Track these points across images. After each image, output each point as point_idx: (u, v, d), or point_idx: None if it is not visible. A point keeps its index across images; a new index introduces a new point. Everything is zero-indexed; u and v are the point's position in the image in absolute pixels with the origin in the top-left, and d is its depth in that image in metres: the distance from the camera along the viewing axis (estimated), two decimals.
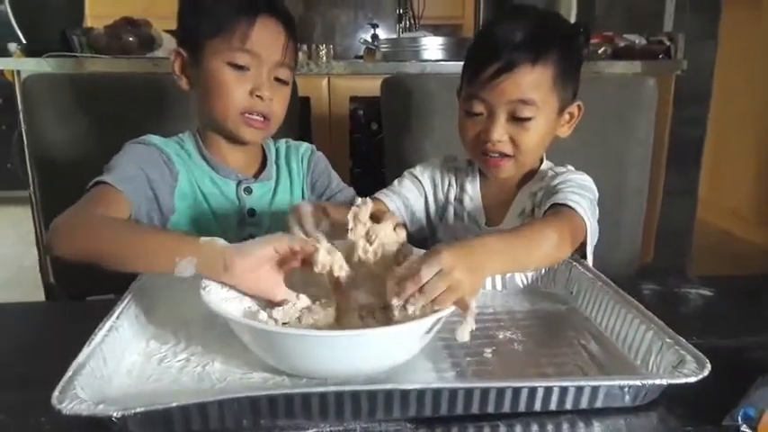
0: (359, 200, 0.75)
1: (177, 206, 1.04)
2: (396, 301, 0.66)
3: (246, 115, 1.01)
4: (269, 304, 0.75)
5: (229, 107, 1.00)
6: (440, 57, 2.14)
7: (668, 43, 2.34)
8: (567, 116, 1.04)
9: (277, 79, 1.03)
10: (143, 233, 0.83)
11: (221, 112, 1.01)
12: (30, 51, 1.94)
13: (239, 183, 1.08)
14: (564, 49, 0.97)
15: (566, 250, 0.84)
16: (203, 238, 0.74)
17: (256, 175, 1.11)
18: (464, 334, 0.65)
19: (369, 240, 0.75)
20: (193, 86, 1.05)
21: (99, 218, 0.86)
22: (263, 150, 1.15)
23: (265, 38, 0.99)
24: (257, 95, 1.00)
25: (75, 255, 0.80)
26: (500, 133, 0.97)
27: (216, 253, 0.72)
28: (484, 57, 0.96)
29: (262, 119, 1.02)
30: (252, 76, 1.00)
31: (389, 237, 0.75)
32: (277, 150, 1.16)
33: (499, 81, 0.95)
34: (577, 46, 1.02)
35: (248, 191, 1.09)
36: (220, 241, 0.74)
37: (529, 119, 0.96)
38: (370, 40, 2.47)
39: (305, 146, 1.19)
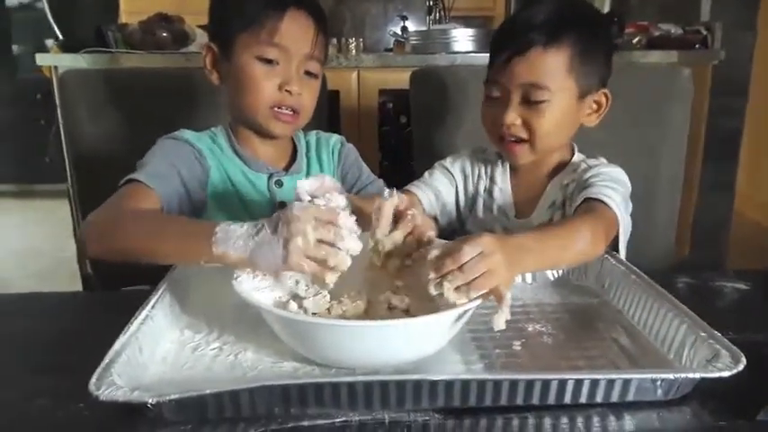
0: (386, 191, 0.75)
1: (209, 200, 1.05)
2: (433, 275, 0.65)
3: (276, 109, 1.02)
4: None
5: (259, 101, 1.01)
6: (470, 48, 2.12)
7: (705, 33, 2.28)
8: (593, 105, 1.03)
9: (307, 73, 1.03)
10: (168, 227, 0.83)
11: (251, 106, 1.02)
12: (66, 47, 1.99)
13: (270, 176, 1.09)
14: (583, 34, 0.97)
15: (600, 248, 0.84)
16: (219, 226, 0.72)
17: (287, 168, 1.12)
18: (500, 322, 0.65)
19: (377, 250, 0.75)
20: (224, 81, 1.06)
21: (128, 215, 0.87)
22: (294, 143, 1.15)
23: (294, 31, 1.00)
24: (286, 90, 1.01)
25: (109, 254, 0.83)
26: (512, 117, 0.98)
27: None
28: (500, 41, 0.99)
29: (291, 113, 1.03)
30: (281, 70, 1.01)
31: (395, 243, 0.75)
32: (307, 143, 1.17)
33: (512, 64, 0.96)
34: (605, 33, 1.02)
35: (279, 184, 1.10)
36: (233, 226, 0.72)
37: (541, 102, 0.96)
38: (399, 32, 2.47)
39: (335, 138, 1.20)
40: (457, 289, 0.64)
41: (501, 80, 0.99)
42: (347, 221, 0.69)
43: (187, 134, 1.07)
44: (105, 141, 1.37)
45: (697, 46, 2.25)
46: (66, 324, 0.82)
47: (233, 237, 0.70)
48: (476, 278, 0.64)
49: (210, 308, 0.79)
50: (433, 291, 0.65)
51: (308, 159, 1.15)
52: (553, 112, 0.97)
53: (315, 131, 1.20)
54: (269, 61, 1.00)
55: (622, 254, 0.93)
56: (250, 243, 0.69)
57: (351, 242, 0.68)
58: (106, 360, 0.59)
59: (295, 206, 0.69)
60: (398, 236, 0.74)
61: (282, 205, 1.09)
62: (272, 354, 0.68)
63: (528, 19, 0.97)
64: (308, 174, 1.14)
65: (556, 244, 0.78)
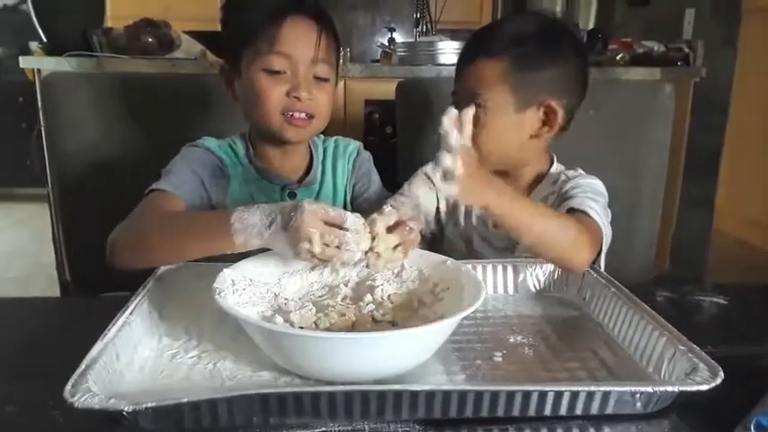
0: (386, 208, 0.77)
1: (230, 208, 1.05)
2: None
3: (288, 115, 1.01)
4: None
5: (270, 109, 1.00)
6: (456, 61, 2.13)
7: (687, 50, 2.32)
8: (541, 117, 1.03)
9: (316, 78, 1.01)
10: (187, 229, 0.87)
11: (263, 116, 1.01)
12: (50, 50, 1.97)
13: (284, 187, 1.10)
14: (524, 47, 1.00)
15: (583, 256, 0.83)
16: (234, 215, 0.77)
17: (302, 179, 1.12)
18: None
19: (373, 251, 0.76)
20: (238, 97, 1.06)
21: (152, 225, 0.90)
22: (311, 153, 1.15)
23: (295, 38, 0.98)
24: (294, 96, 0.99)
25: (138, 264, 0.85)
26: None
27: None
28: (461, 53, 1.08)
29: (305, 117, 1.01)
30: (288, 78, 1.00)
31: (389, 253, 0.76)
32: (325, 150, 1.17)
33: (462, 73, 1.05)
34: (554, 47, 1.03)
35: (292, 195, 1.10)
36: (247, 213, 0.77)
37: (479, 106, 0.99)
38: (386, 43, 2.47)
39: (353, 145, 1.20)
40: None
41: (457, 89, 1.07)
42: (354, 223, 0.74)
43: (209, 142, 1.09)
44: (87, 146, 1.35)
45: (679, 63, 2.28)
46: (42, 330, 0.81)
47: (248, 226, 0.76)
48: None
49: (190, 315, 0.78)
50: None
51: (324, 168, 1.15)
52: (489, 122, 1.01)
53: (335, 137, 1.20)
54: (275, 72, 0.99)
55: (602, 263, 0.93)
56: (265, 234, 0.75)
57: (359, 243, 0.74)
58: (82, 366, 0.58)
59: (306, 208, 0.72)
60: (392, 240, 0.76)
61: (292, 196, 1.10)
62: (252, 362, 0.68)
63: (481, 33, 1.07)
64: (321, 184, 1.14)
65: (534, 210, 0.82)
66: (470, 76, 1.03)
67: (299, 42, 0.99)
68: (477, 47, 1.04)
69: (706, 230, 2.53)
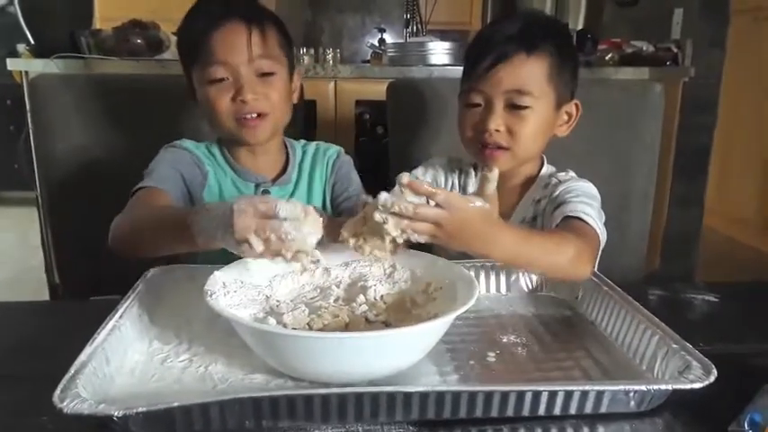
0: (363, 196, 0.74)
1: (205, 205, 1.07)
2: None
3: (240, 118, 1.03)
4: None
5: (222, 117, 1.03)
6: (446, 61, 2.14)
7: (675, 50, 2.33)
8: (565, 116, 1.04)
9: (262, 74, 1.03)
10: (162, 225, 0.86)
11: (218, 124, 1.05)
12: (38, 52, 1.95)
13: (257, 185, 1.11)
14: (558, 44, 1.00)
15: (584, 269, 0.82)
16: (190, 216, 0.74)
17: (277, 178, 1.13)
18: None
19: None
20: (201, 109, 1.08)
21: (139, 219, 0.92)
22: (288, 153, 1.16)
23: (226, 43, 1.01)
24: (240, 100, 1.01)
25: (134, 254, 0.87)
26: (497, 123, 0.98)
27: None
28: (480, 50, 1.00)
29: (256, 117, 1.03)
30: (231, 83, 1.02)
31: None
32: (304, 153, 1.18)
33: (495, 71, 0.97)
34: (573, 46, 1.06)
35: (266, 193, 1.11)
36: (202, 217, 0.73)
37: (525, 107, 0.97)
38: (377, 44, 2.47)
39: (333, 149, 1.21)
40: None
41: (483, 88, 0.99)
42: (290, 211, 0.67)
43: (186, 143, 1.11)
44: (75, 148, 1.34)
45: (668, 63, 2.29)
46: (31, 334, 0.80)
47: (203, 229, 0.72)
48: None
49: (180, 318, 0.77)
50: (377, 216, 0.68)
51: (300, 170, 1.16)
52: (534, 119, 0.98)
53: (317, 142, 1.21)
54: (219, 80, 1.02)
55: (595, 263, 0.93)
56: (217, 236, 0.69)
57: (300, 229, 0.67)
58: (71, 371, 0.57)
59: (234, 209, 0.67)
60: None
61: (266, 193, 1.11)
62: (244, 365, 0.67)
63: (506, 30, 0.99)
64: (296, 184, 1.15)
65: (535, 246, 0.79)
66: (510, 74, 0.97)
67: (231, 48, 1.01)
68: (508, 45, 0.97)
69: (696, 228, 2.55)
